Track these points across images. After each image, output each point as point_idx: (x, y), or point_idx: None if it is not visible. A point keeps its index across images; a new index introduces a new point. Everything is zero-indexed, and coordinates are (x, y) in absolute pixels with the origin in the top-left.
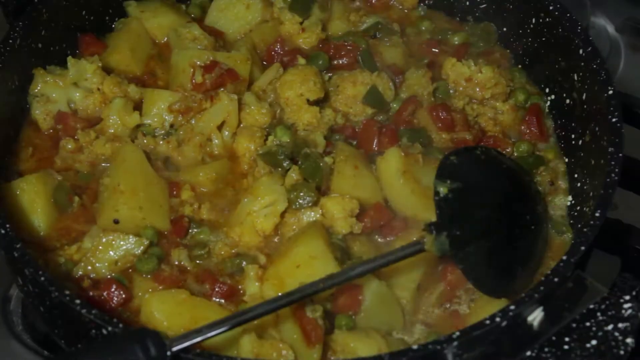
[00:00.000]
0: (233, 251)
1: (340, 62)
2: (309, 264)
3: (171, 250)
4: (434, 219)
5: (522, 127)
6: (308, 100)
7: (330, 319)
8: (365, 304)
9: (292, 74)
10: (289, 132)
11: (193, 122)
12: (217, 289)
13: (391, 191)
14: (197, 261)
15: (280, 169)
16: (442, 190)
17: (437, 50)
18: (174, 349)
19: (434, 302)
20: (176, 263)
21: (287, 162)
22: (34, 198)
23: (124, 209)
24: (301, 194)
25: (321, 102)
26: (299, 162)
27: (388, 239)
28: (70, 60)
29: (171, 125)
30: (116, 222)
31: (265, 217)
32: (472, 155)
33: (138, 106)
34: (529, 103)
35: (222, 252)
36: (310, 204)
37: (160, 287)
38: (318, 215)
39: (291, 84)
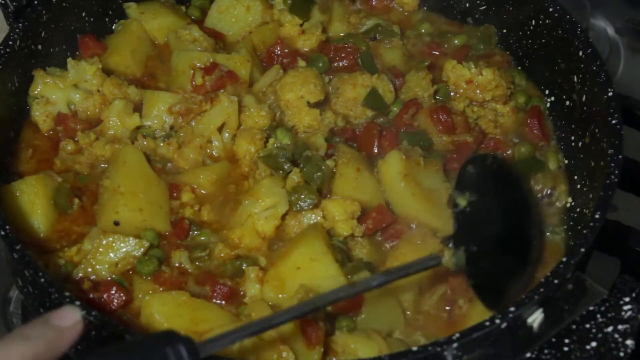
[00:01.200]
0: (233, 253)
1: (340, 64)
2: (309, 266)
3: (172, 252)
4: (434, 222)
5: (525, 130)
6: (308, 103)
7: (331, 320)
8: (366, 306)
9: (292, 76)
10: (290, 135)
11: (193, 123)
12: (217, 291)
13: (392, 194)
14: (198, 263)
15: (281, 172)
16: (461, 202)
17: (437, 53)
18: (203, 354)
19: (435, 304)
20: (177, 265)
21: (288, 165)
22: (33, 199)
23: (124, 211)
24: (302, 196)
25: (321, 105)
26: (301, 165)
27: (390, 241)
28: (70, 61)
29: (171, 127)
30: (116, 224)
31: (266, 219)
32: (485, 164)
33: (138, 108)
34: (529, 106)
35: (223, 254)
36: (311, 207)
37: (161, 289)
38: (319, 218)
39: (291, 86)
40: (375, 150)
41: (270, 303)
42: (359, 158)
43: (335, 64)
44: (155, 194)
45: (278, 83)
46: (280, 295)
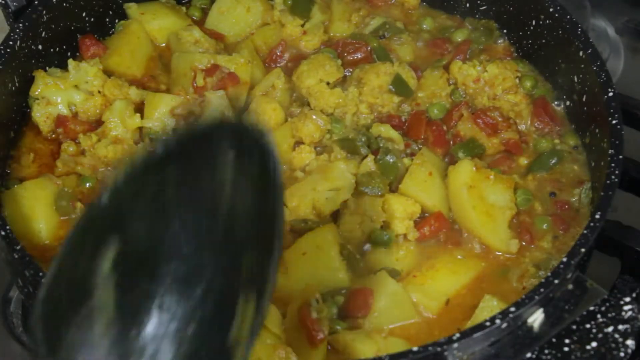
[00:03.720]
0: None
1: (354, 57)
2: (314, 253)
3: None
4: (489, 238)
5: (535, 123)
6: (328, 84)
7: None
8: (379, 305)
9: (306, 64)
10: (342, 123)
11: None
12: None
13: (454, 202)
14: None
15: (357, 156)
16: None
17: (440, 50)
18: None
19: (456, 312)
20: None
21: (365, 150)
22: (33, 204)
23: None
24: (373, 181)
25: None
26: (378, 156)
27: (435, 250)
28: (71, 62)
29: (173, 130)
30: None
31: (326, 200)
32: None
33: (139, 108)
34: (535, 90)
35: None
36: (376, 195)
37: None
38: (379, 209)
39: (308, 73)
40: (422, 137)
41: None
42: (435, 163)
43: (350, 57)
44: None
45: (295, 74)
46: (279, 281)
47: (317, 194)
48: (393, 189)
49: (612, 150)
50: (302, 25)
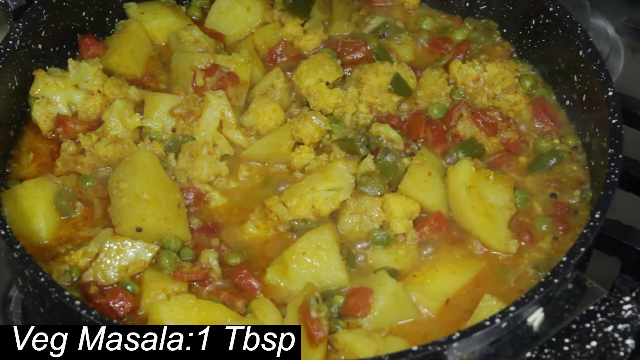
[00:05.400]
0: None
1: (354, 56)
2: (314, 253)
3: (202, 252)
4: (488, 239)
5: (535, 123)
6: (327, 84)
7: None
8: (379, 305)
9: (306, 64)
10: (342, 123)
11: (195, 123)
12: (243, 278)
13: (454, 202)
14: (230, 263)
15: (356, 156)
16: None
17: (440, 50)
18: None
19: (458, 317)
20: (204, 266)
21: (364, 149)
22: (33, 204)
23: (151, 220)
24: (372, 181)
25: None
26: (378, 155)
27: (431, 248)
28: (71, 62)
29: (173, 129)
30: (139, 230)
31: (325, 200)
32: None
33: (139, 108)
34: (535, 91)
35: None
36: (375, 195)
37: (175, 288)
38: (378, 208)
39: (308, 73)
40: (422, 137)
41: (272, 282)
42: (435, 163)
43: (349, 57)
44: (174, 200)
45: (294, 74)
46: (280, 281)
47: (317, 194)
48: (392, 188)
49: (612, 150)
50: (302, 25)
